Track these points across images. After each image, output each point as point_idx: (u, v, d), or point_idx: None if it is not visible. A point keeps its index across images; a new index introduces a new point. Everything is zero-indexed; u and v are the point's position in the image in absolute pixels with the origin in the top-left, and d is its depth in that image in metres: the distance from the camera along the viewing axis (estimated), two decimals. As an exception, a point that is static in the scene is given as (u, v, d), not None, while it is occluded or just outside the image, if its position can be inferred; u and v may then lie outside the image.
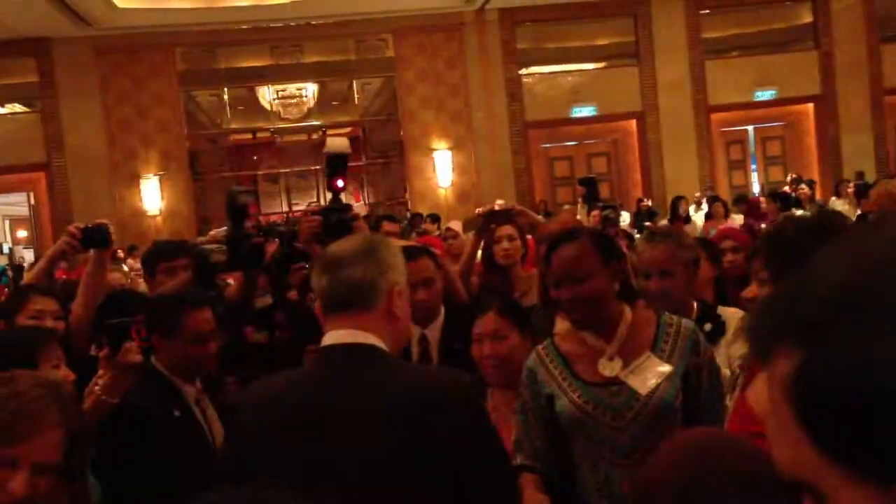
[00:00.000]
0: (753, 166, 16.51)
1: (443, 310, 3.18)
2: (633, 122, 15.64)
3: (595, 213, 5.18)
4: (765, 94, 15.63)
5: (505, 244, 3.70)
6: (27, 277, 3.22)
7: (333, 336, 1.77)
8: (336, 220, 2.97)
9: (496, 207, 3.79)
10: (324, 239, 2.88)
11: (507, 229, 3.73)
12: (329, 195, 3.09)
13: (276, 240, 3.75)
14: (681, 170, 15.03)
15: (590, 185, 5.80)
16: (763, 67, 15.50)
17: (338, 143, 3.16)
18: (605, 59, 15.78)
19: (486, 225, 3.74)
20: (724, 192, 14.20)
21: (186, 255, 3.52)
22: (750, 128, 16.36)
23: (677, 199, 11.24)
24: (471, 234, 4.07)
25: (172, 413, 2.62)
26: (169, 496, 2.31)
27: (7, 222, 18.27)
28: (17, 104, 14.50)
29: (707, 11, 15.46)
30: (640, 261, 2.94)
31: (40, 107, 14.14)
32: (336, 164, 2.99)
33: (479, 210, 3.89)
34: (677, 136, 15.15)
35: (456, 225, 6.91)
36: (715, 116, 15.58)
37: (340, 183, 3.02)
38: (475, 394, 1.87)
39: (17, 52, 13.74)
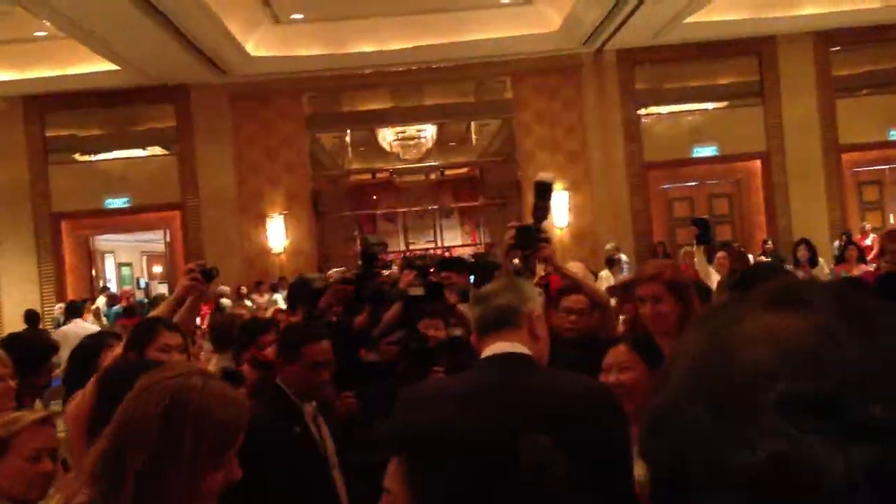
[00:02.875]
0: (888, 208, 15.69)
1: None
2: (758, 163, 15.19)
3: (721, 254, 5.05)
4: (900, 134, 14.91)
5: (648, 306, 2.86)
6: (156, 311, 3.44)
7: (490, 349, 2.11)
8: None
9: (608, 247, 3.86)
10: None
11: (653, 287, 2.83)
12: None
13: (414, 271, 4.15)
14: (808, 212, 14.45)
15: (702, 225, 5.68)
16: (897, 106, 14.82)
17: (547, 174, 3.44)
18: (727, 98, 15.42)
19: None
20: (856, 236, 13.54)
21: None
22: (886, 168, 15.59)
23: (799, 243, 10.88)
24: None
25: (294, 429, 2.96)
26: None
27: (144, 258, 19.34)
28: (157, 147, 15.41)
29: (837, 49, 14.93)
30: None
31: (178, 149, 14.97)
32: (542, 190, 3.18)
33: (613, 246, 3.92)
34: (805, 176, 14.61)
35: (574, 266, 6.87)
36: (846, 157, 14.95)
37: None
38: (613, 397, 2.17)
39: (159, 99, 14.69)
